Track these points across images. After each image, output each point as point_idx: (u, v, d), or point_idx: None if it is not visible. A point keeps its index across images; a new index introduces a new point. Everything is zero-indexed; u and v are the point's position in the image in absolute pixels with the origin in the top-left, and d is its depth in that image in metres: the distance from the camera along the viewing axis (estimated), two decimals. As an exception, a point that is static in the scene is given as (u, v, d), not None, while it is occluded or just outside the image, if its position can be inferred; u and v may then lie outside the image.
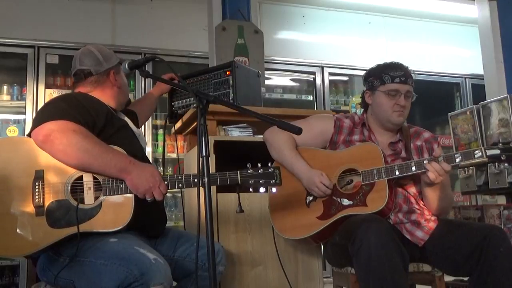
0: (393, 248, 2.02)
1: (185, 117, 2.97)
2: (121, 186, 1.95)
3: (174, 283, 2.15)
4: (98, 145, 1.93)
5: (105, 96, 2.25)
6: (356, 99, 5.65)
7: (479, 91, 5.73)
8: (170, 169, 5.09)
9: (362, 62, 5.64)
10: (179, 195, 4.59)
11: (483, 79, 5.01)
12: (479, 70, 5.14)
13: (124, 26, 5.10)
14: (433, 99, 5.90)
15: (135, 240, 1.97)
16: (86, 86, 2.25)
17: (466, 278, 2.20)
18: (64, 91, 4.59)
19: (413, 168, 2.24)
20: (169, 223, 4.57)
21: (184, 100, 3.03)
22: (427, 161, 2.21)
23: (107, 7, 5.10)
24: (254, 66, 4.20)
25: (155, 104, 2.90)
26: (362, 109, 2.57)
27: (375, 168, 2.28)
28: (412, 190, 2.36)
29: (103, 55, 2.26)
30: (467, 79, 6.32)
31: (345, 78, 6.01)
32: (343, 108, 5.83)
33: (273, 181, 2.06)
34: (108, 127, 2.08)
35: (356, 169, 2.34)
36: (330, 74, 5.76)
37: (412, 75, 2.42)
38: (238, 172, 2.03)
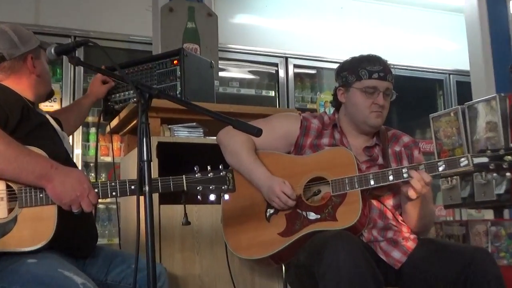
0: (366, 270, 2.03)
1: (122, 114, 2.94)
2: (41, 195, 1.91)
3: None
4: (11, 146, 1.88)
5: (21, 85, 2.19)
6: (325, 96, 5.71)
7: (464, 89, 5.89)
8: (103, 175, 5.03)
9: (333, 53, 5.71)
10: (114, 206, 4.54)
11: (469, 75, 5.13)
12: (465, 66, 5.27)
13: (50, 3, 5.00)
14: (413, 98, 6.02)
15: (58, 261, 1.92)
16: (-4, 74, 2.19)
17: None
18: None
19: (391, 177, 2.26)
20: (101, 241, 4.52)
21: (122, 94, 3.00)
22: (406, 170, 2.24)
23: (29, -21, 4.99)
24: (207, 55, 4.17)
25: (86, 113, 2.87)
26: (333, 108, 2.59)
27: (346, 177, 2.30)
28: (389, 203, 2.39)
29: (19, 37, 2.20)
30: (451, 75, 6.48)
31: (313, 71, 6.07)
32: (309, 106, 5.87)
33: (225, 186, 2.05)
34: (24, 124, 2.03)
35: (325, 177, 2.35)
36: (295, 66, 5.80)
37: (392, 70, 2.46)
38: (184, 176, 2.02)
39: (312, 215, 2.31)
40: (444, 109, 6.04)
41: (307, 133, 2.48)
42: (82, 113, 2.82)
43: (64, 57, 2.04)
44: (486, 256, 2.17)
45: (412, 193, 2.21)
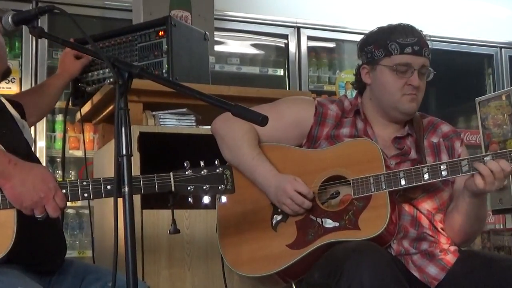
0: (395, 289, 2.05)
1: (96, 98, 2.95)
2: (-2, 197, 1.92)
3: None
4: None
5: (-33, 64, 2.21)
6: (346, 76, 5.70)
7: (519, 67, 5.87)
8: (73, 173, 5.04)
9: (355, 22, 5.69)
10: (86, 211, 4.55)
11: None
12: (520, 38, 5.26)
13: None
14: (454, 78, 6.01)
15: (18, 277, 1.93)
16: None
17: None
18: None
19: (426, 176, 2.27)
20: (71, 253, 4.53)
21: (96, 73, 3.02)
22: (445, 167, 2.24)
23: None
24: (200, 24, 4.17)
25: (58, 96, 2.88)
26: (356, 91, 2.59)
27: (371, 175, 2.31)
28: (425, 207, 2.39)
29: None
30: (503, 49, 6.46)
31: (331, 45, 6.06)
32: (327, 87, 5.87)
33: (222, 186, 2.06)
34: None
35: (345, 176, 2.36)
36: (309, 38, 5.79)
37: (428, 43, 2.46)
38: (171, 174, 2.02)
39: (329, 223, 2.31)
40: (494, 91, 6.04)
41: (323, 121, 2.49)
42: (52, 96, 2.83)
43: (24, 28, 2.04)
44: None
45: (480, 187, 2.20)
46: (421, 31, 2.46)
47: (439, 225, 2.40)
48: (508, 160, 2.22)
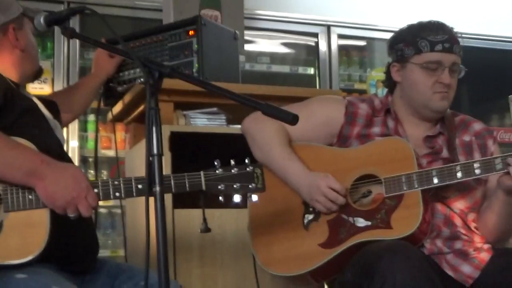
0: (429, 289, 2.04)
1: (127, 98, 2.96)
2: (30, 197, 1.94)
3: None
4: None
5: (2, 63, 2.23)
6: (377, 74, 5.67)
7: (554, 63, 5.80)
8: (105, 172, 5.07)
9: (386, 20, 5.66)
10: (118, 211, 4.58)
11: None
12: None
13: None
14: (487, 75, 5.95)
15: (52, 277, 1.94)
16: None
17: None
18: None
19: (459, 174, 2.26)
20: (104, 252, 4.56)
21: (127, 73, 3.03)
22: (479, 165, 2.23)
23: None
24: (230, 23, 4.18)
25: (94, 96, 2.89)
26: (386, 90, 2.58)
27: (403, 174, 2.30)
28: (458, 206, 2.38)
29: None
30: (536, 45, 6.38)
31: (362, 43, 6.03)
32: (357, 86, 5.85)
33: (253, 185, 2.06)
34: (9, 111, 2.06)
35: (377, 175, 2.35)
36: (340, 36, 5.77)
37: (459, 40, 2.44)
38: (202, 173, 2.03)
39: (361, 222, 2.31)
40: (528, 88, 5.96)
41: (354, 121, 2.48)
42: (87, 96, 2.84)
43: (56, 28, 2.06)
44: None
45: None
46: (452, 28, 2.44)
47: (472, 224, 2.39)
48: None
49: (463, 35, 2.48)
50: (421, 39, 2.40)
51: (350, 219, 2.32)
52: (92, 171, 4.67)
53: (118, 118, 3.19)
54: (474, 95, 6.18)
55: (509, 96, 3.89)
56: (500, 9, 6.32)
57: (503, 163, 2.22)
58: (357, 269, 2.21)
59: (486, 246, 2.36)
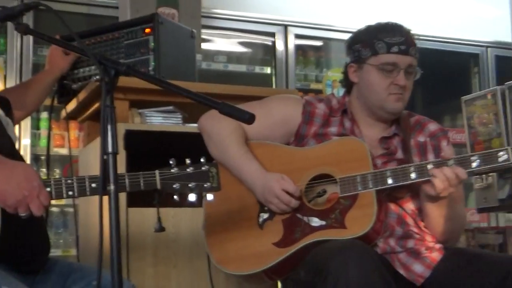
0: (381, 287, 2.05)
1: (81, 95, 2.94)
2: (-19, 196, 1.91)
3: None
4: None
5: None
6: (334, 74, 5.71)
7: (505, 66, 5.90)
8: (57, 171, 5.02)
9: (343, 21, 5.70)
10: (71, 210, 4.54)
11: (511, 49, 5.15)
12: (507, 37, 5.28)
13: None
14: (441, 77, 6.03)
15: (2, 277, 1.92)
16: None
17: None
18: None
19: (413, 175, 2.28)
20: (55, 252, 4.51)
21: (82, 70, 3.00)
22: (432, 166, 2.25)
23: None
24: (187, 22, 4.16)
25: (47, 92, 2.86)
26: (344, 90, 2.60)
27: (358, 174, 2.31)
28: (410, 206, 2.40)
29: None
30: (489, 48, 6.49)
31: (318, 44, 6.06)
32: (314, 86, 5.88)
33: (208, 184, 2.06)
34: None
35: (332, 175, 2.36)
36: (297, 36, 5.80)
37: (416, 42, 2.46)
38: (157, 172, 2.02)
39: (315, 221, 2.32)
40: (480, 90, 6.06)
41: (311, 120, 2.49)
42: (41, 93, 2.81)
43: (9, 24, 2.03)
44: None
45: (440, 187, 2.21)
46: (409, 30, 2.46)
47: (422, 224, 2.41)
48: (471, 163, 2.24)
49: (420, 37, 2.51)
50: (378, 41, 2.42)
51: (305, 218, 2.33)
52: (44, 170, 4.62)
53: (72, 116, 3.17)
54: (428, 96, 6.26)
55: (462, 98, 3.96)
56: (455, 12, 6.40)
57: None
58: (310, 268, 2.22)
59: (437, 245, 2.39)
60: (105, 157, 1.76)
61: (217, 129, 2.47)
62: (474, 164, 2.25)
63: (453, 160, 2.25)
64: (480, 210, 3.94)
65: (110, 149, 1.76)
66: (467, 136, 3.90)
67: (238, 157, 2.42)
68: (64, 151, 4.86)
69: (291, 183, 2.33)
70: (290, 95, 2.73)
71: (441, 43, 6.28)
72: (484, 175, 3.70)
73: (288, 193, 2.31)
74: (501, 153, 2.23)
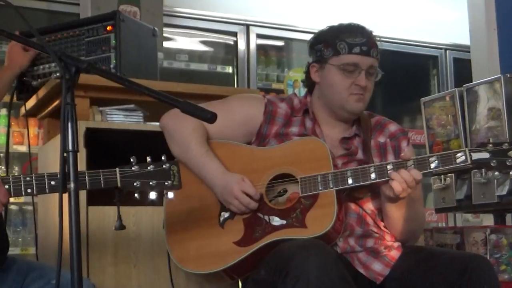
0: (341, 286, 2.06)
1: (41, 92, 2.91)
2: None
3: None
4: None
5: None
6: (295, 74, 5.73)
7: (463, 68, 5.97)
8: (16, 168, 4.96)
9: (305, 21, 5.73)
10: (30, 207, 4.49)
11: (469, 51, 5.20)
12: (465, 39, 5.34)
13: None
14: (400, 78, 6.09)
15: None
16: None
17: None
18: None
19: (373, 176, 2.29)
20: (13, 250, 4.45)
21: (41, 67, 2.98)
22: (392, 166, 2.27)
23: None
24: (148, 20, 4.15)
25: (6, 89, 2.83)
26: (305, 90, 2.60)
27: (319, 174, 2.32)
28: (369, 206, 2.42)
29: None
30: (447, 51, 6.58)
31: (280, 43, 6.08)
32: (275, 85, 5.90)
33: (169, 182, 2.05)
34: None
35: (293, 174, 2.36)
36: (259, 36, 5.81)
37: (378, 43, 2.48)
38: (117, 169, 2.01)
39: (276, 221, 2.32)
40: (439, 91, 6.14)
41: (273, 120, 2.49)
42: (0, 89, 2.77)
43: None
44: (483, 263, 2.23)
45: (398, 189, 2.24)
46: (371, 31, 2.47)
47: (382, 224, 2.43)
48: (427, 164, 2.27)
49: (381, 38, 2.52)
50: (340, 41, 2.42)
51: (266, 217, 2.33)
52: (3, 167, 4.57)
53: (32, 113, 3.14)
54: (388, 97, 6.31)
55: (421, 99, 4.00)
56: (414, 15, 6.47)
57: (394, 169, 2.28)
58: (271, 267, 2.22)
59: (396, 244, 2.41)
60: (65, 154, 1.74)
61: (179, 127, 2.46)
62: (433, 165, 2.28)
63: (413, 161, 2.28)
64: (438, 211, 3.99)
65: (70, 147, 1.74)
66: (426, 137, 3.94)
67: (199, 156, 2.42)
68: (23, 149, 4.82)
69: (251, 186, 2.33)
70: (252, 94, 2.74)
71: (401, 45, 6.34)
72: (442, 176, 3.74)
73: (247, 195, 2.32)
74: (459, 154, 2.26)
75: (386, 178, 2.27)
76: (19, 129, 4.86)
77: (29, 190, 1.95)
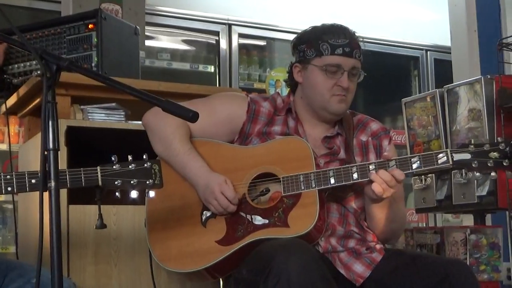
0: (322, 286, 2.06)
1: (22, 90, 2.89)
2: None
3: None
4: None
5: None
6: (277, 74, 5.74)
7: (444, 69, 6.02)
8: (-3, 166, 4.93)
9: (287, 21, 5.74)
10: (10, 206, 4.47)
11: (450, 52, 5.24)
12: (445, 41, 5.38)
13: None
14: (381, 79, 6.12)
15: None
16: None
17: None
18: None
19: (355, 175, 2.30)
20: (-7, 249, 4.43)
21: (22, 65, 2.97)
22: (374, 166, 2.28)
23: None
24: (130, 18, 4.13)
25: None
26: (287, 89, 2.60)
27: (301, 173, 2.32)
28: (352, 206, 2.42)
29: None
30: (428, 51, 6.62)
31: (262, 43, 6.09)
32: (257, 85, 5.90)
33: (150, 181, 2.05)
34: None
35: (275, 173, 2.36)
36: (241, 36, 5.81)
37: (361, 44, 2.48)
38: (99, 168, 2.00)
39: (258, 220, 2.32)
40: (419, 92, 6.17)
41: (256, 118, 2.49)
42: None
43: None
44: (463, 270, 2.24)
45: (379, 190, 2.24)
46: (354, 32, 2.48)
47: (365, 224, 2.44)
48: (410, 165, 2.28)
49: (364, 40, 2.53)
50: (323, 42, 2.42)
51: (248, 216, 2.33)
52: (-17, 165, 4.54)
53: (12, 111, 3.12)
54: (369, 98, 6.34)
55: (402, 100, 4.02)
56: (396, 16, 6.50)
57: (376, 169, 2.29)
58: (252, 266, 2.22)
59: (378, 246, 2.41)
60: (46, 153, 1.73)
61: (162, 125, 2.45)
62: (415, 166, 2.28)
63: (395, 161, 2.28)
64: (419, 211, 4.02)
65: (51, 145, 1.74)
66: (407, 137, 3.97)
67: (182, 154, 2.41)
68: (3, 147, 4.81)
69: (231, 190, 2.32)
70: (235, 93, 2.74)
71: (382, 45, 6.37)
72: (423, 176, 3.76)
73: (226, 197, 2.32)
74: (440, 155, 2.27)
75: (368, 178, 2.28)
76: (0, 127, 4.83)
77: (9, 188, 1.94)
